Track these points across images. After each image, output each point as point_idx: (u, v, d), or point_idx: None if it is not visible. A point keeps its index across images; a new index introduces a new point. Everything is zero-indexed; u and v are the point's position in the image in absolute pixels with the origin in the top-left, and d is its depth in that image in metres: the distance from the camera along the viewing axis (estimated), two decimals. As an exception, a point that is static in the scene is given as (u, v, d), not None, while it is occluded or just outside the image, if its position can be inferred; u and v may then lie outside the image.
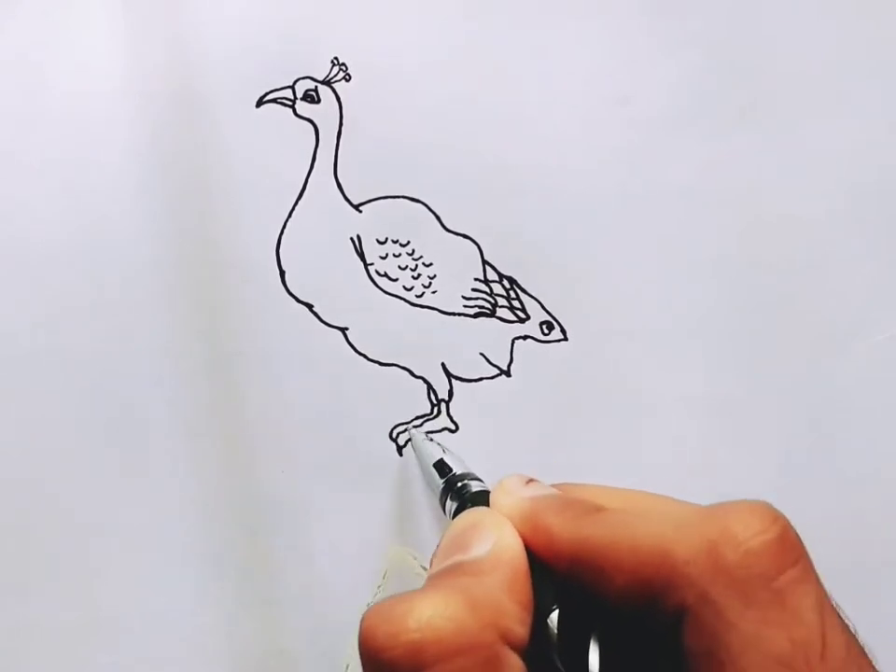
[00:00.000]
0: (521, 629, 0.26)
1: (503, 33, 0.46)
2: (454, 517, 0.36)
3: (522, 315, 0.45)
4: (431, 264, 0.44)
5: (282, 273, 0.44)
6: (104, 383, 0.44)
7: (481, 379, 0.44)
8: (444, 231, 0.45)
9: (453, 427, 0.44)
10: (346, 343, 0.44)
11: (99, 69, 0.45)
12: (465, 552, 0.28)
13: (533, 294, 0.45)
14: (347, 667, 0.44)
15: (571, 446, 0.44)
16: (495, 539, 0.28)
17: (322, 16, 0.45)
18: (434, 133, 0.45)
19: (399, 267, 0.44)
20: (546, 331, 0.45)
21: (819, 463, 0.44)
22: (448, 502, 0.37)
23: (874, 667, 0.25)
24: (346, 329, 0.44)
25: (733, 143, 0.45)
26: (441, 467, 0.39)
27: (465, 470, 0.39)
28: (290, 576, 0.44)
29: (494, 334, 0.44)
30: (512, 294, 0.44)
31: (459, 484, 0.37)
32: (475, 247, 0.45)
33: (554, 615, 0.27)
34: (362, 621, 0.25)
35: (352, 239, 0.44)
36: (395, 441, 0.44)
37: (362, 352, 0.44)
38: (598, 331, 0.45)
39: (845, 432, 0.45)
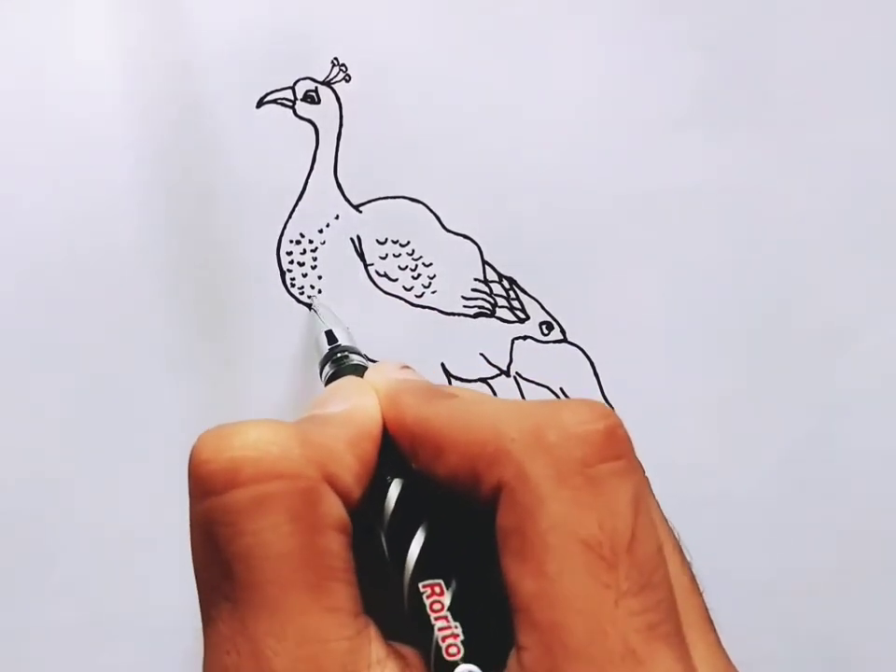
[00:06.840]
0: (352, 482, 0.26)
1: (504, 34, 0.46)
2: (326, 384, 0.37)
3: (521, 316, 0.45)
4: (431, 264, 0.44)
5: (282, 274, 0.44)
6: (103, 382, 0.44)
7: (480, 379, 0.44)
8: (444, 231, 0.45)
9: (453, 428, 0.44)
10: (346, 344, 0.44)
11: (98, 69, 0.45)
12: (322, 409, 0.29)
13: (533, 294, 0.45)
14: (347, 667, 0.44)
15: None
16: (353, 402, 0.28)
17: (322, 16, 0.45)
18: (434, 133, 0.45)
19: (399, 267, 0.44)
20: (546, 332, 0.45)
21: (820, 463, 0.44)
22: (326, 368, 0.37)
23: (692, 578, 0.26)
24: (346, 329, 0.44)
25: (734, 144, 0.45)
26: (331, 336, 0.40)
27: (351, 344, 0.39)
28: (290, 576, 0.44)
29: (493, 334, 0.44)
30: (512, 294, 0.44)
31: (339, 355, 0.37)
32: (475, 247, 0.45)
33: (393, 497, 0.27)
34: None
35: (352, 239, 0.44)
36: (395, 440, 0.44)
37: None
38: (598, 331, 0.45)
39: (845, 432, 0.45)
